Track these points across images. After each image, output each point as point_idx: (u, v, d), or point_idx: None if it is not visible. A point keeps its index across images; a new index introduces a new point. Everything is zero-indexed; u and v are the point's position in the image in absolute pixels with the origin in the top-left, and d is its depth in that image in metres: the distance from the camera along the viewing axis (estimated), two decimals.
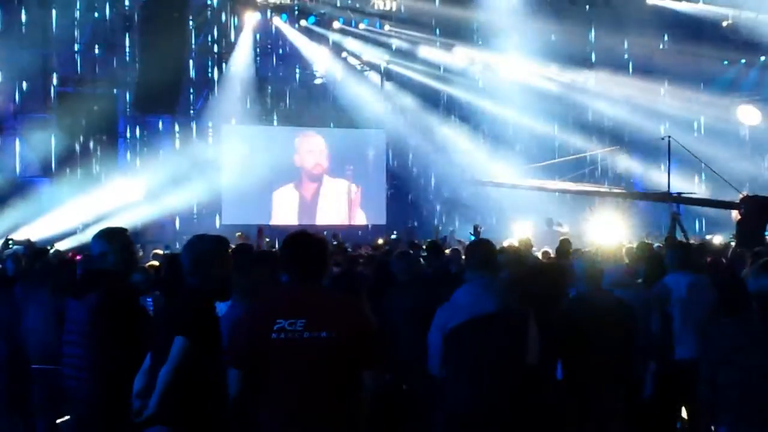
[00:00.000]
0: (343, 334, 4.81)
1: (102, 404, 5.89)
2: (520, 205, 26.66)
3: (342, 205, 29.78)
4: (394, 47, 30.03)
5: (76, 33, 25.16)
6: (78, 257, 12.71)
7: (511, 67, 29.98)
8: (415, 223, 29.89)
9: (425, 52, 30.04)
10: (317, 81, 29.73)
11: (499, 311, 6.14)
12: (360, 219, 29.71)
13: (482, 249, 6.63)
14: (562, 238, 15.72)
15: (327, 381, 4.81)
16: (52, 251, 15.10)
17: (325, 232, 18.39)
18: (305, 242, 5.09)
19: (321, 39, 29.30)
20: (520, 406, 6.07)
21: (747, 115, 29.55)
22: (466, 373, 6.11)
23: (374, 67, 30.28)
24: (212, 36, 27.73)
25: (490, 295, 6.21)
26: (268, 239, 21.35)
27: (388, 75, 30.50)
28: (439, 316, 6.27)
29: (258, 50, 28.85)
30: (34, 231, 21.14)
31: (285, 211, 28.73)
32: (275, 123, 29.44)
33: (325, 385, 4.81)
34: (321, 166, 29.66)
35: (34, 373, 8.60)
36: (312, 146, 29.59)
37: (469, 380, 6.09)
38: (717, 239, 20.65)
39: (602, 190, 26.11)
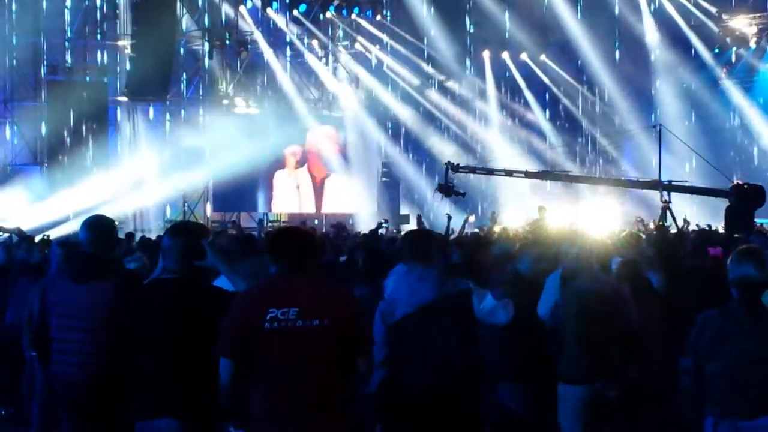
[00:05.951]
0: (335, 322, 4.81)
1: (107, 392, 5.75)
2: (512, 194, 26.67)
3: (331, 193, 29.80)
4: (384, 35, 30.06)
5: (66, 21, 25.06)
6: None
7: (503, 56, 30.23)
8: (407, 211, 29.80)
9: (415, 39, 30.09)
10: (308, 68, 29.67)
11: (438, 299, 6.00)
12: (349, 207, 29.68)
13: (416, 239, 6.53)
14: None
15: (321, 369, 4.80)
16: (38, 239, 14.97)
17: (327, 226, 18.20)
18: (293, 236, 5.11)
19: (312, 27, 29.29)
20: (469, 391, 6.03)
21: None
22: (412, 365, 5.99)
23: (366, 54, 30.25)
24: (203, 24, 27.63)
25: (426, 284, 6.03)
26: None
27: (379, 62, 30.49)
28: (379, 312, 6.11)
29: (249, 38, 28.77)
30: (25, 219, 21.07)
31: (278, 200, 28.69)
32: (267, 110, 29.36)
33: (319, 372, 4.80)
34: (313, 154, 29.64)
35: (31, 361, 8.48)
36: (304, 134, 29.58)
37: (415, 371, 5.97)
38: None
39: (592, 176, 26.05)
